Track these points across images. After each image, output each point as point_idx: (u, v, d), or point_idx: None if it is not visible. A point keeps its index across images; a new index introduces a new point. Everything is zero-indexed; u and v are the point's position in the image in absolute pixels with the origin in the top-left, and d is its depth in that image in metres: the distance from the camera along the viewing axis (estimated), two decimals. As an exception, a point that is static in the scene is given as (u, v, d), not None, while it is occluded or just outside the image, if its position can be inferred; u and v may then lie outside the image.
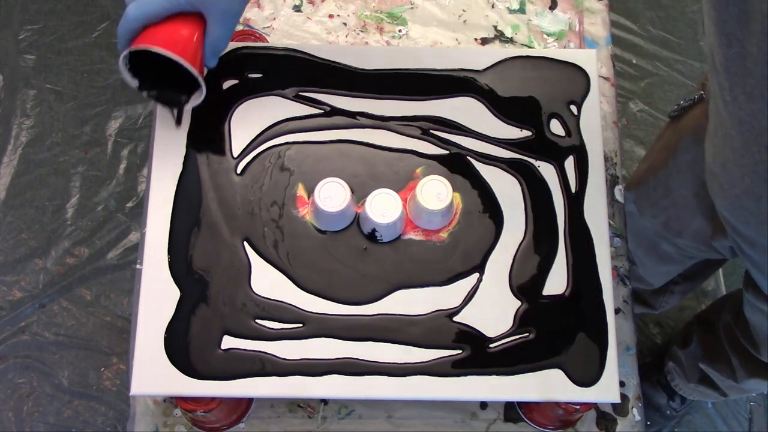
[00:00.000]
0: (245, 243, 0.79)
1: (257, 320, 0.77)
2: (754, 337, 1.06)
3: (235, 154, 0.83)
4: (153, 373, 0.75)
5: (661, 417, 1.55)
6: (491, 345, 0.77)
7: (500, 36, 0.99)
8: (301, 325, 0.77)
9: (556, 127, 0.85)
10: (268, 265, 0.79)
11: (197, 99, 0.78)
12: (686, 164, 0.94)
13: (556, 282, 0.79)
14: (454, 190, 0.80)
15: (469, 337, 0.77)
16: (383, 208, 0.78)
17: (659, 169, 1.01)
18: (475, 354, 0.77)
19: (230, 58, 0.86)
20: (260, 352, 0.76)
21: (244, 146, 0.83)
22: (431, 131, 0.84)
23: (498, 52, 0.89)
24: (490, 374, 0.76)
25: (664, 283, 1.32)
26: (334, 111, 0.85)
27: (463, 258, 0.80)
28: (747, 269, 0.93)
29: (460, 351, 0.77)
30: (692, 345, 1.34)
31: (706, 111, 0.82)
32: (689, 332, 1.37)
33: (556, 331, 0.78)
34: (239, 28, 0.98)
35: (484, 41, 0.99)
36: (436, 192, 0.78)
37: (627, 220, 0.93)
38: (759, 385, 1.16)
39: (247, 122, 0.84)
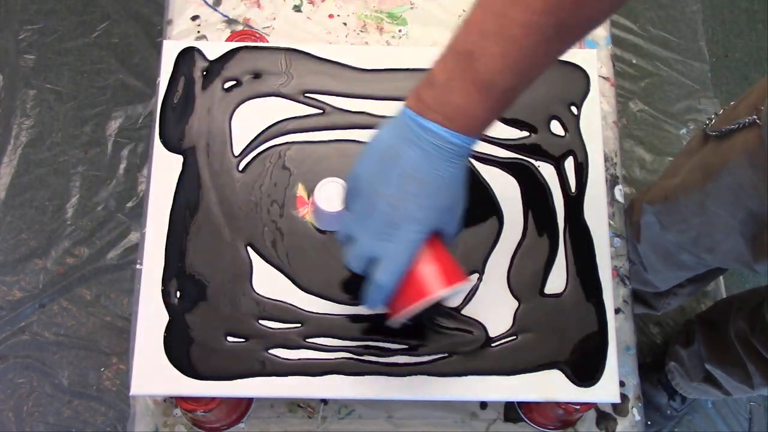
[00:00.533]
0: (245, 243, 0.79)
1: (257, 320, 0.77)
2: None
3: (236, 155, 0.83)
4: (153, 373, 0.75)
5: (662, 417, 1.55)
6: (491, 345, 0.77)
7: (500, 36, 0.99)
8: (301, 325, 0.77)
9: (555, 127, 0.85)
10: (268, 265, 0.79)
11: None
12: (729, 187, 0.90)
13: (556, 282, 0.79)
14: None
15: (470, 337, 0.77)
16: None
17: (693, 189, 0.97)
18: (475, 354, 0.77)
19: (230, 58, 0.86)
20: (260, 352, 0.76)
21: (244, 146, 0.83)
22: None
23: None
24: (490, 374, 0.76)
25: (671, 286, 1.32)
26: (334, 111, 0.85)
27: (462, 258, 0.80)
28: None
29: (461, 351, 0.77)
30: (695, 344, 1.33)
31: (761, 136, 0.80)
32: (691, 331, 1.36)
33: (556, 331, 0.78)
34: (239, 28, 0.98)
35: (484, 41, 0.98)
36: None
37: (642, 229, 0.92)
38: None
39: (248, 122, 0.84)
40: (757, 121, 0.83)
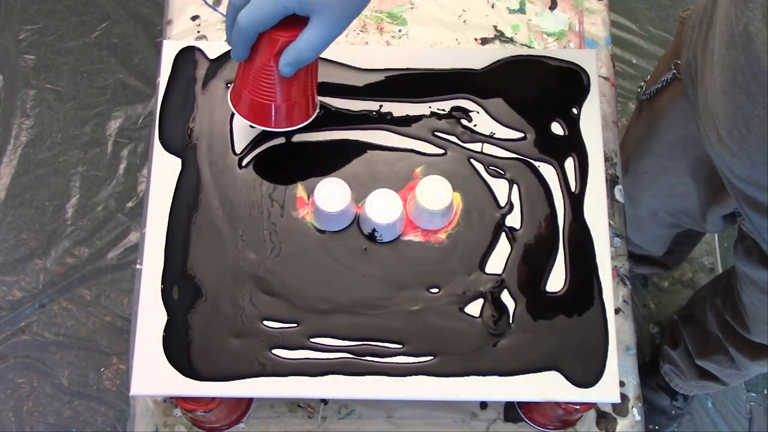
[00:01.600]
0: (245, 243, 0.79)
1: (257, 320, 0.77)
2: (743, 316, 1.06)
3: (236, 154, 0.83)
4: (153, 374, 0.75)
5: (667, 418, 1.55)
6: (492, 344, 0.77)
7: (500, 36, 0.99)
8: (301, 325, 0.77)
9: (556, 127, 0.85)
10: (269, 265, 0.79)
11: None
12: (672, 143, 0.95)
13: (556, 282, 0.79)
14: (454, 189, 0.80)
15: (470, 337, 0.77)
16: (383, 208, 0.78)
17: (646, 156, 1.02)
18: (475, 354, 0.77)
19: (231, 58, 0.86)
20: (260, 352, 0.76)
21: (245, 146, 0.83)
22: (431, 131, 0.84)
23: (498, 52, 0.89)
24: (490, 374, 0.76)
25: (663, 251, 1.33)
26: (335, 111, 0.85)
27: (462, 259, 0.80)
28: (740, 238, 0.94)
29: (461, 350, 0.77)
30: (682, 344, 1.34)
31: (683, 88, 0.85)
32: (676, 330, 1.37)
33: (556, 331, 0.78)
34: (239, 28, 0.98)
35: (484, 41, 0.99)
36: (436, 192, 0.78)
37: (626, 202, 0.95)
38: (762, 367, 1.16)
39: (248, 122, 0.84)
40: (677, 74, 0.87)
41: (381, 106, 0.85)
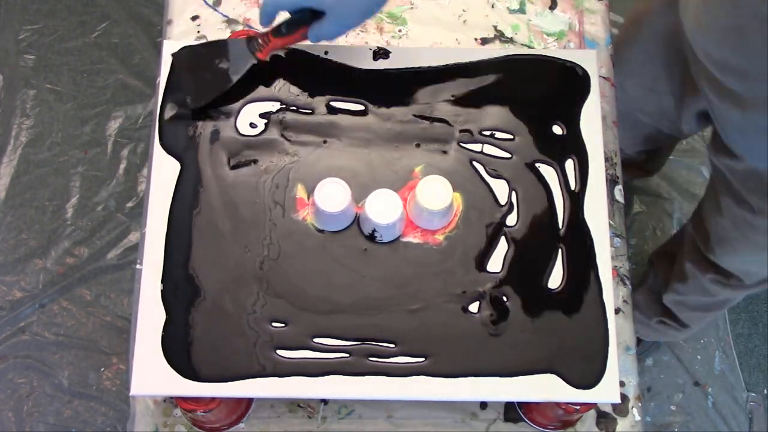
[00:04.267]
0: (246, 243, 0.79)
1: (256, 320, 0.77)
2: (708, 233, 1.08)
3: (236, 155, 0.83)
4: (153, 374, 0.75)
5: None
6: (492, 343, 0.77)
7: (500, 36, 0.99)
8: (301, 325, 0.77)
9: (556, 127, 0.85)
10: (269, 265, 0.79)
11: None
12: (655, 32, 0.99)
13: (556, 282, 0.79)
14: (454, 190, 0.80)
15: (469, 337, 0.77)
16: (383, 208, 0.78)
17: (632, 43, 1.04)
18: (476, 354, 0.77)
19: (231, 56, 0.86)
20: (261, 352, 0.76)
21: (246, 146, 0.83)
22: (432, 130, 0.84)
23: (498, 52, 0.89)
24: (490, 375, 0.76)
25: (638, 150, 1.37)
26: (335, 110, 0.85)
27: (462, 259, 0.80)
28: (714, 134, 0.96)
29: (461, 349, 0.77)
30: (649, 281, 1.38)
31: None
32: (647, 271, 1.41)
33: (556, 331, 0.78)
34: (239, 28, 0.98)
35: (484, 41, 0.99)
36: (436, 192, 0.78)
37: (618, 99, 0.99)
38: (715, 290, 1.18)
39: (248, 122, 0.84)
40: None
41: (380, 105, 0.85)
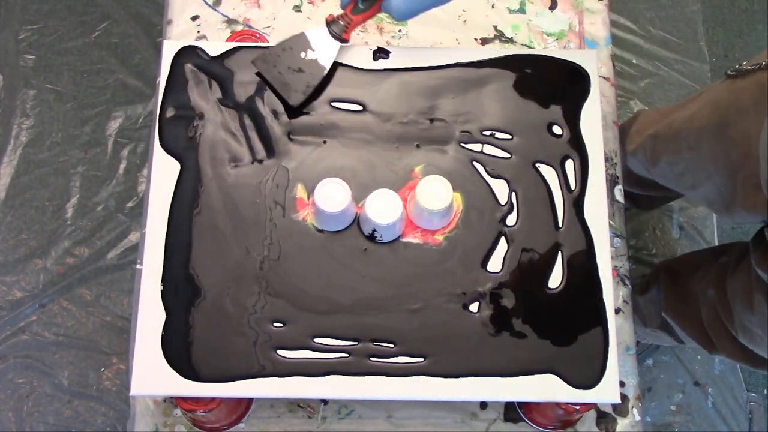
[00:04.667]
0: (246, 243, 0.79)
1: (256, 320, 0.77)
2: (732, 315, 1.04)
3: (236, 155, 0.83)
4: (153, 374, 0.75)
5: None
6: (492, 343, 0.77)
7: (500, 36, 0.99)
8: (301, 325, 0.77)
9: (556, 127, 0.85)
10: (270, 265, 0.79)
11: None
12: (728, 135, 0.92)
13: (556, 282, 0.79)
14: (454, 190, 0.80)
15: (469, 337, 0.77)
16: (383, 208, 0.78)
17: (699, 123, 0.97)
18: (476, 354, 0.77)
19: (231, 57, 0.86)
20: (261, 352, 0.76)
21: (245, 146, 0.83)
22: (432, 130, 0.84)
23: (498, 52, 0.89)
24: (489, 375, 0.76)
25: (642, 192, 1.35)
26: (335, 111, 0.85)
27: (462, 259, 0.80)
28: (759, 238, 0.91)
29: (462, 348, 0.77)
30: (652, 292, 1.35)
31: None
32: (652, 280, 1.38)
33: (556, 332, 0.78)
34: (239, 28, 0.98)
35: (484, 41, 0.99)
36: (436, 192, 0.78)
37: (631, 158, 0.95)
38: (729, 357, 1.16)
39: (248, 122, 0.84)
40: None
41: (380, 104, 0.85)
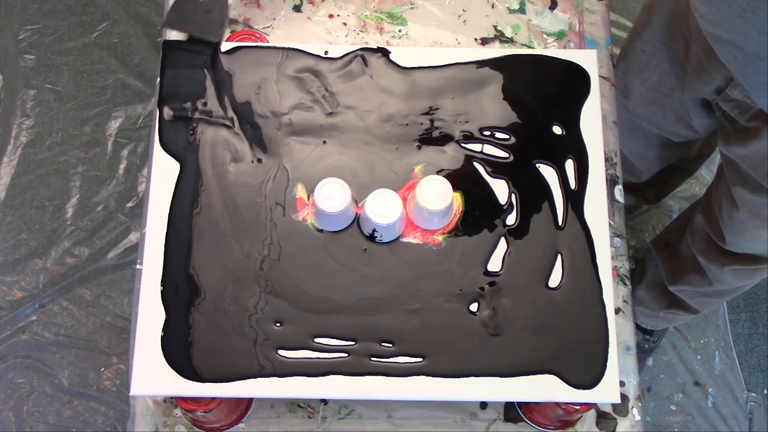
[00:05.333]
0: (247, 243, 0.79)
1: (256, 321, 0.77)
2: (720, 227, 1.08)
3: (236, 155, 0.83)
4: (153, 374, 0.75)
5: (642, 352, 1.60)
6: (492, 342, 0.77)
7: (500, 36, 0.99)
8: (301, 325, 0.77)
9: (556, 127, 0.85)
10: (270, 265, 0.79)
11: None
12: (665, 21, 0.97)
13: (556, 282, 0.79)
14: (454, 189, 0.80)
15: (469, 337, 0.77)
16: (383, 208, 0.78)
17: (644, 29, 1.03)
18: (476, 353, 0.77)
19: (231, 57, 0.86)
20: (261, 352, 0.76)
21: (245, 146, 0.83)
22: (432, 131, 0.84)
23: (498, 52, 0.89)
24: (489, 375, 0.76)
25: (652, 174, 1.36)
26: (335, 109, 0.85)
27: (462, 259, 0.80)
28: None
29: (462, 347, 0.77)
30: (650, 273, 1.38)
31: None
32: (645, 262, 1.41)
33: (556, 332, 0.78)
34: (239, 28, 0.97)
35: (484, 41, 0.99)
36: (436, 192, 0.78)
37: (616, 105, 0.97)
38: (733, 280, 1.18)
39: (248, 122, 0.84)
40: None
41: (380, 104, 0.85)
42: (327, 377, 0.75)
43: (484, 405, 0.86)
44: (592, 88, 0.87)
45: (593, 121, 0.85)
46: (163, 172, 0.82)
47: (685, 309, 1.35)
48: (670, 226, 1.42)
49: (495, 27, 0.99)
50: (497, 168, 0.83)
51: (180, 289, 0.78)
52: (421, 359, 0.76)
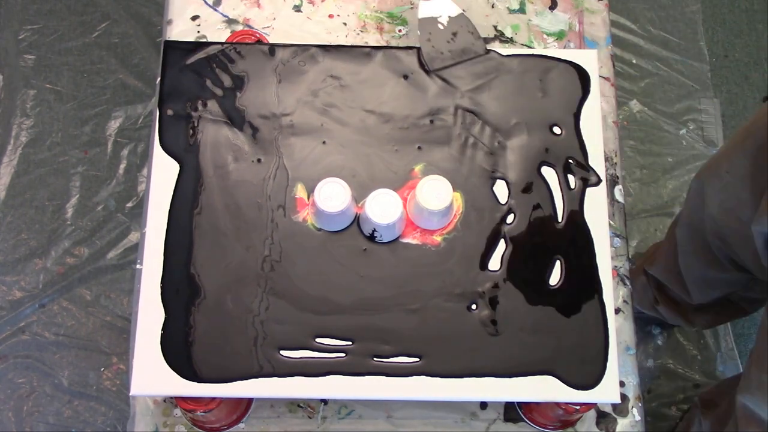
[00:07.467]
0: (247, 243, 0.79)
1: (256, 321, 0.77)
2: None
3: (236, 154, 0.83)
4: (153, 374, 0.75)
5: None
6: (492, 343, 0.77)
7: (500, 36, 0.99)
8: (301, 325, 0.77)
9: (556, 127, 0.85)
10: (271, 266, 0.79)
11: None
12: (758, 146, 0.93)
13: (556, 282, 0.79)
14: (454, 189, 0.80)
15: (469, 337, 0.77)
16: (383, 208, 0.78)
17: (735, 152, 0.99)
18: (476, 353, 0.77)
19: (230, 57, 0.86)
20: (261, 352, 0.76)
21: (245, 146, 0.83)
22: (432, 131, 0.85)
23: (498, 51, 0.89)
24: (489, 375, 0.76)
25: (705, 300, 1.29)
26: (335, 110, 0.85)
27: (461, 259, 0.80)
28: None
29: (462, 347, 0.77)
30: (696, 424, 1.29)
31: None
32: (691, 417, 1.33)
33: (555, 332, 0.78)
34: (239, 28, 0.97)
35: (484, 41, 0.98)
36: (436, 192, 0.78)
37: (692, 210, 0.94)
38: None
39: (248, 122, 0.84)
40: None
41: (380, 103, 0.85)
42: (327, 377, 0.75)
43: (484, 405, 0.86)
44: (592, 88, 0.87)
45: (593, 121, 0.85)
46: (163, 172, 0.82)
47: None
48: (719, 386, 1.30)
49: (495, 27, 0.99)
50: (497, 168, 0.83)
51: (180, 289, 0.78)
52: (421, 359, 0.76)
